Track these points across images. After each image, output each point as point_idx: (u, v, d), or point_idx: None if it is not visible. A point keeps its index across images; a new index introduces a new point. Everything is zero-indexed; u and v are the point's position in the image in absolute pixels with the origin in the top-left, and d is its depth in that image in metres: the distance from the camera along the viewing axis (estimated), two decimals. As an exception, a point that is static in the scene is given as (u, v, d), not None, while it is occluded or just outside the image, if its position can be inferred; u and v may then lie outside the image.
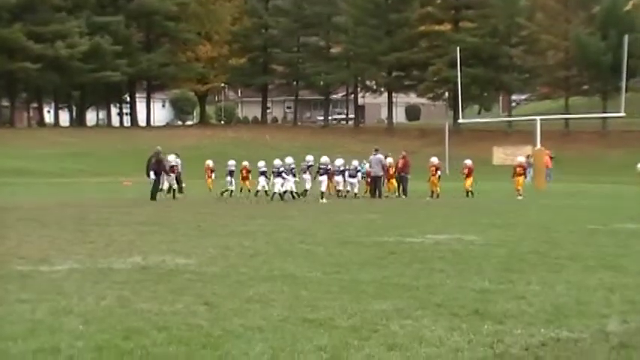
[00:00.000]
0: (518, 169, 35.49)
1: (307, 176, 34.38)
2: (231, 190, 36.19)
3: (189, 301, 9.30)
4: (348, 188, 35.02)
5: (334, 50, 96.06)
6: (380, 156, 35.37)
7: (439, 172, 36.13)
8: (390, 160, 36.50)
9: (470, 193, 34.72)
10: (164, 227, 19.39)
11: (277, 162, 33.73)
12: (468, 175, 35.48)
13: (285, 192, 32.91)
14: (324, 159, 34.26)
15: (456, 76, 54.79)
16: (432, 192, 34.94)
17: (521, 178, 35.19)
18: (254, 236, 17.05)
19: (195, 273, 11.55)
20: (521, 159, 37.59)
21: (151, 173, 33.10)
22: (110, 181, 53.75)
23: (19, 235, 17.19)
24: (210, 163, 40.59)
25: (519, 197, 33.81)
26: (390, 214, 24.60)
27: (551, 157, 52.48)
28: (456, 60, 54.27)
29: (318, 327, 7.91)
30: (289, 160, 33.76)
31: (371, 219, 22.50)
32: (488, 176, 54.57)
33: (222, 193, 35.73)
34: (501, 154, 63.91)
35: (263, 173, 35.16)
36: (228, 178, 36.56)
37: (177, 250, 14.29)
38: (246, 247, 14.86)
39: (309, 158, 34.93)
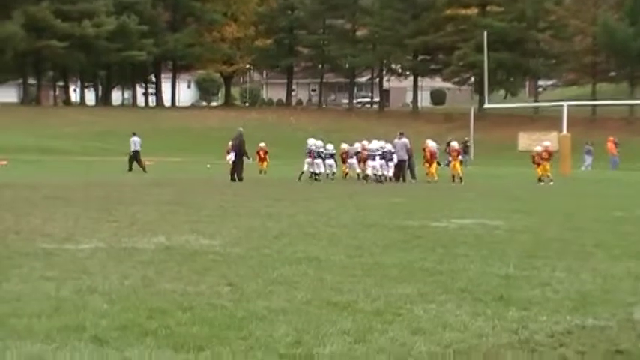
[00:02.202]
0: (544, 154, 35.06)
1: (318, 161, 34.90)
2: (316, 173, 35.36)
3: (212, 281, 9.30)
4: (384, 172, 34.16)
5: (360, 33, 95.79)
6: (405, 140, 35.17)
7: (460, 157, 36.01)
8: (454, 144, 37.06)
9: (459, 179, 34.41)
10: (187, 207, 19.41)
11: (311, 141, 35.51)
12: (455, 159, 35.34)
13: (319, 174, 34.42)
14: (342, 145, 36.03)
15: (482, 61, 54.46)
16: (454, 176, 34.76)
17: (547, 164, 34.85)
18: (277, 218, 17.05)
19: (219, 254, 11.55)
20: (548, 144, 37.27)
21: (231, 154, 33.55)
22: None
23: (45, 213, 17.27)
24: (262, 144, 41.43)
25: (542, 183, 33.56)
26: (414, 199, 24.52)
27: (615, 144, 52.16)
28: (482, 44, 53.95)
29: (341, 310, 7.89)
30: (330, 146, 35.78)
31: (395, 203, 22.46)
32: (514, 162, 54.37)
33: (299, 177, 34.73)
34: (527, 140, 63.45)
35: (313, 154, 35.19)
36: (308, 159, 35.81)
37: (201, 231, 14.30)
38: (270, 229, 14.85)
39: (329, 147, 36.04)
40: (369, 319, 7.50)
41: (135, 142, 40.64)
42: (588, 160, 53.30)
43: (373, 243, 13.12)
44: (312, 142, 35.24)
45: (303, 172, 34.48)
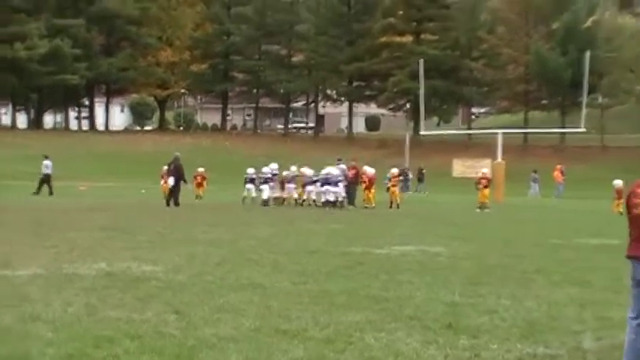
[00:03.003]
0: (483, 181, 35.41)
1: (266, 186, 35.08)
2: (252, 197, 35.62)
3: (158, 309, 9.15)
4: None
5: (295, 59, 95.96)
6: (343, 166, 35.27)
7: (401, 184, 36.33)
8: (394, 170, 37.33)
9: (396, 205, 34.85)
10: (125, 233, 19.16)
11: (251, 170, 36.04)
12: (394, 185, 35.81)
13: (268, 199, 34.59)
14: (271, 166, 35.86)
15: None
16: (392, 202, 34.99)
17: (486, 191, 35.19)
18: (218, 244, 16.91)
19: (162, 281, 11.39)
20: (486, 171, 37.65)
21: (170, 179, 33.21)
22: (67, 185, 53.14)
23: (-21, 238, 16.90)
24: (200, 169, 41.20)
25: (485, 210, 33.78)
26: (354, 225, 24.52)
27: (562, 172, 52.93)
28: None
29: (292, 338, 7.81)
30: (274, 165, 35.86)
31: (335, 229, 22.43)
32: (449, 188, 54.82)
33: (243, 200, 35.40)
34: (461, 167, 64.08)
35: (252, 180, 35.83)
36: (249, 185, 36.01)
37: (142, 257, 14.09)
38: (211, 255, 14.71)
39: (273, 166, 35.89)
40: (321, 348, 7.42)
41: (47, 165, 40.71)
42: (535, 187, 54.02)
43: (317, 270, 13.05)
44: (252, 171, 35.56)
45: (266, 199, 34.72)
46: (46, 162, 40.90)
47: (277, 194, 35.49)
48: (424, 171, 58.93)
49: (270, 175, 35.39)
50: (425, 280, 12.06)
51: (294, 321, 8.67)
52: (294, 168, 36.01)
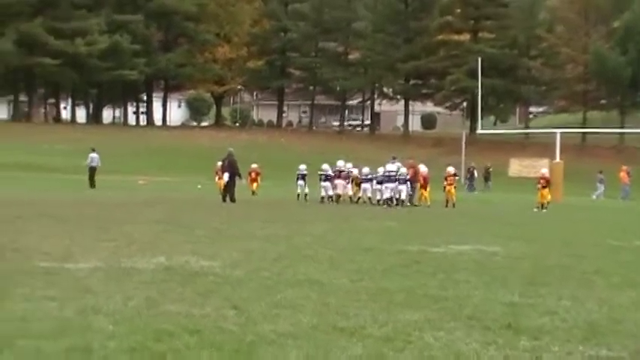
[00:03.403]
0: (541, 181, 35.10)
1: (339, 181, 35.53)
2: (306, 194, 35.95)
3: (217, 304, 9.18)
4: (378, 196, 34.70)
5: (352, 56, 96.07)
6: (398, 164, 35.19)
7: (466, 182, 36.19)
8: (450, 169, 37.01)
9: (452, 204, 34.72)
10: (183, 228, 19.30)
11: (302, 166, 36.68)
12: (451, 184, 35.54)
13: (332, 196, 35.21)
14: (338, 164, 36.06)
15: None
16: (448, 201, 34.88)
17: (545, 191, 34.84)
18: (274, 240, 16.94)
19: (220, 276, 11.43)
20: (545, 171, 37.29)
21: (225, 175, 33.25)
22: (125, 179, 53.78)
23: (40, 230, 17.13)
24: (254, 166, 41.27)
25: (543, 210, 33.55)
26: (409, 223, 24.45)
27: (628, 173, 51.98)
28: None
29: (350, 336, 7.78)
30: (340, 163, 36.02)
31: (390, 226, 22.37)
32: (505, 187, 54.49)
33: (298, 197, 35.84)
34: (518, 166, 63.67)
35: (303, 177, 36.38)
36: (301, 182, 36.33)
37: (200, 252, 14.16)
38: (268, 251, 14.74)
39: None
40: (380, 346, 7.39)
41: (93, 159, 40.93)
42: (600, 188, 52.77)
43: (373, 267, 13.01)
44: (341, 164, 35.72)
45: (329, 196, 35.38)
46: (93, 155, 41.23)
47: (335, 192, 35.53)
48: (491, 170, 57.87)
49: (332, 173, 35.55)
50: (483, 280, 11.96)
51: (352, 318, 8.64)
52: (341, 163, 35.93)
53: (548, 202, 34.44)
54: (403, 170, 34.22)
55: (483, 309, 9.54)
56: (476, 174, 56.99)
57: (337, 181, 35.37)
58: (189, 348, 7.03)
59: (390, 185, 33.60)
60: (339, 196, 35.40)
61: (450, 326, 8.43)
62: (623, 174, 51.98)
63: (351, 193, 35.89)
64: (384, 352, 7.20)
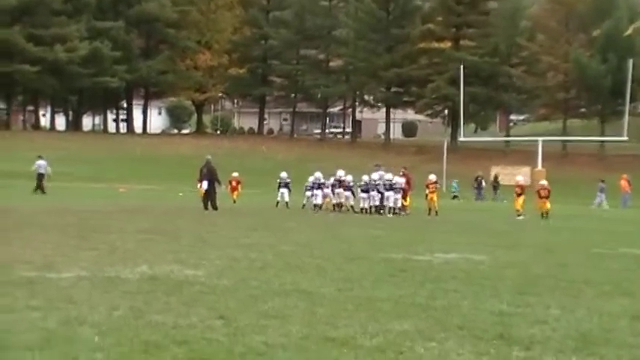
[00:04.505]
0: (517, 189, 35.25)
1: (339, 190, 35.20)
2: (287, 202, 35.93)
3: (204, 314, 9.03)
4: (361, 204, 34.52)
5: (333, 64, 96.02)
6: (381, 172, 35.10)
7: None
8: (432, 176, 36.75)
9: (434, 212, 34.63)
10: (165, 236, 19.12)
11: (284, 174, 36.46)
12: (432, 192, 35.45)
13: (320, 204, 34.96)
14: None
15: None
16: (430, 209, 34.83)
17: (520, 198, 34.91)
18: (259, 248, 16.79)
19: (206, 285, 11.27)
20: (520, 178, 37.32)
21: (204, 182, 32.97)
22: (105, 187, 53.45)
23: (21, 239, 16.92)
24: (235, 174, 40.92)
25: (520, 217, 33.64)
26: (394, 231, 24.35)
27: (628, 181, 51.35)
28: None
29: (341, 346, 7.65)
30: (341, 172, 35.41)
31: (375, 235, 22.27)
32: (486, 195, 54.45)
33: (277, 204, 35.84)
34: (500, 174, 63.67)
35: (285, 185, 36.37)
36: (284, 189, 36.24)
37: (184, 261, 14.01)
38: (254, 260, 14.59)
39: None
40: (372, 357, 7.27)
41: (40, 165, 41.22)
42: (601, 197, 51.86)
43: (360, 276, 12.89)
44: (341, 174, 35.36)
45: (278, 202, 35.51)
46: (40, 162, 41.53)
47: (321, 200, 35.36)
48: (499, 179, 56.83)
49: (323, 182, 35.38)
50: (471, 289, 11.85)
51: (341, 328, 8.51)
52: (341, 172, 35.56)
53: (547, 212, 34.30)
54: (398, 179, 34.13)
55: (473, 319, 9.44)
56: (484, 183, 56.44)
57: (338, 191, 35.14)
58: (178, 360, 6.89)
59: (375, 194, 33.53)
60: (340, 205, 35.10)
61: (441, 337, 8.32)
62: (623, 182, 51.49)
63: (352, 202, 35.52)
64: (376, 363, 7.08)
